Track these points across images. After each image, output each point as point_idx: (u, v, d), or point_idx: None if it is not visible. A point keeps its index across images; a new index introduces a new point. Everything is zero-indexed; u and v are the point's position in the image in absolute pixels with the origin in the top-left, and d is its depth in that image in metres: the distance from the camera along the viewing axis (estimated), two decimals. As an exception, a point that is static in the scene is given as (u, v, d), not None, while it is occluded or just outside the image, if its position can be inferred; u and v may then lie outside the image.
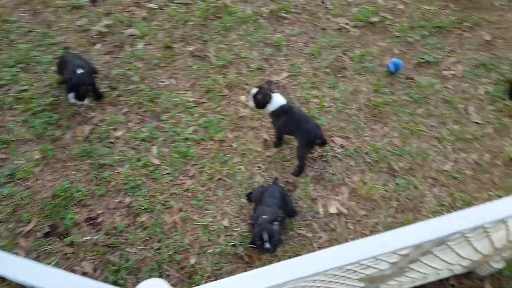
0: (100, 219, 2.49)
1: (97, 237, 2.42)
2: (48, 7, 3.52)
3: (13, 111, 2.89)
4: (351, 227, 2.51)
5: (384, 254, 1.10)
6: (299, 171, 2.70)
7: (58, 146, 2.75)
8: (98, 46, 3.30)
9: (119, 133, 2.85)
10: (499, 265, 2.17)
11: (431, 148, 2.85)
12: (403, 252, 1.34)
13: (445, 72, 3.28)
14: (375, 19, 3.68)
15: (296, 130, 2.61)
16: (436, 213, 2.56)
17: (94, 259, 2.34)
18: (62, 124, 2.85)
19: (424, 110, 3.04)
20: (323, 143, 2.68)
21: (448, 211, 2.56)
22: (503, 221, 1.46)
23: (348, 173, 2.74)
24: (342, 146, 2.85)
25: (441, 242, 1.27)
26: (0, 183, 2.57)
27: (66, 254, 2.33)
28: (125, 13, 3.52)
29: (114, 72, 3.15)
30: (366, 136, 2.91)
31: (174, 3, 3.64)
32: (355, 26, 3.64)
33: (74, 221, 2.46)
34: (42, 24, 3.40)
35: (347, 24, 3.66)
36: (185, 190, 2.64)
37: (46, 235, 2.38)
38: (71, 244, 2.37)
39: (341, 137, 2.90)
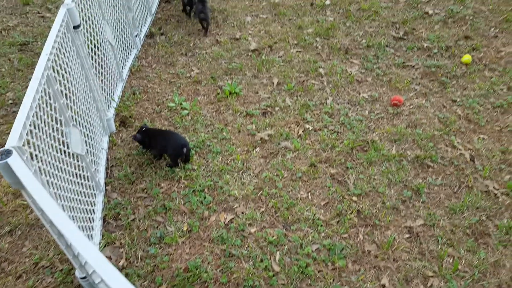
0: (216, 307, 2.70)
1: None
2: (229, 109, 4.42)
3: (180, 184, 3.57)
4: None
5: None
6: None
7: (202, 225, 3.22)
8: (257, 149, 3.92)
9: (253, 229, 3.18)
10: None
11: None
12: None
13: None
14: (532, 192, 3.42)
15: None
16: None
17: None
18: (211, 207, 3.36)
19: None
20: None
21: None
22: None
23: None
24: (476, 326, 2.53)
25: None
26: (150, 242, 3.09)
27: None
28: (286, 128, 4.15)
29: (263, 174, 3.64)
30: (509, 324, 2.53)
31: (328, 129, 4.13)
32: (505, 194, 3.44)
33: (196, 300, 2.72)
34: (221, 121, 4.26)
35: (496, 189, 3.49)
36: (295, 307, 2.68)
37: (171, 303, 2.69)
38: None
39: (476, 314, 2.59)
